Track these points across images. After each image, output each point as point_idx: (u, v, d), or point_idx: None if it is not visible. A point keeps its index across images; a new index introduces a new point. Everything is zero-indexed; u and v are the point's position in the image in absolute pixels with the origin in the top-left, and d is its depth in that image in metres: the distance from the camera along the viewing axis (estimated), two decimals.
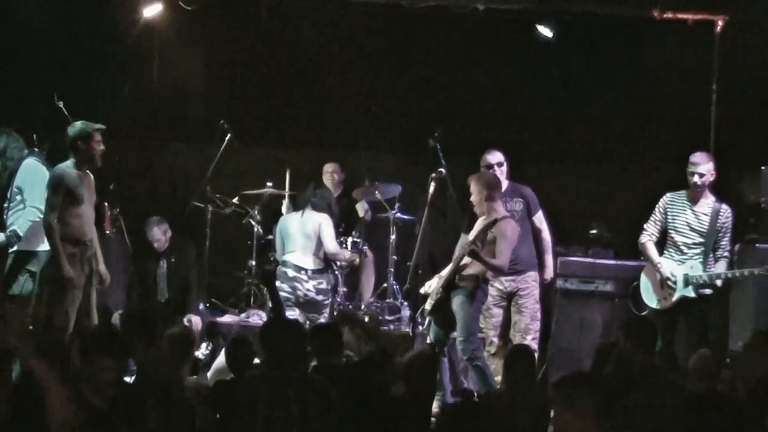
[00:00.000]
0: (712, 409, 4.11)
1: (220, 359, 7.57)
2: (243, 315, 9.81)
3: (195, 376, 7.85)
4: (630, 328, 6.18)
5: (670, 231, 7.86)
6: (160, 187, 10.88)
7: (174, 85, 10.97)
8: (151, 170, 10.95)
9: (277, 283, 8.50)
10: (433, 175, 8.74)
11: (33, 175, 7.85)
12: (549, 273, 8.65)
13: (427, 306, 8.04)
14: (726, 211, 7.79)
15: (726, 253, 7.81)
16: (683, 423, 4.16)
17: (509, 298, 8.44)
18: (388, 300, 9.88)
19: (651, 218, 7.96)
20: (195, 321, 9.08)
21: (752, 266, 7.90)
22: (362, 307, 9.83)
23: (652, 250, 7.91)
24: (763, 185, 8.85)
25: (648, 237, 7.94)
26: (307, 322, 8.43)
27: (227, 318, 9.86)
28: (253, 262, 10.01)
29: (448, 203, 9.56)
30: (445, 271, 8.02)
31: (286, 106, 11.16)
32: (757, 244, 8.53)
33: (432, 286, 8.11)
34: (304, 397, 5.19)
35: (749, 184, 9.33)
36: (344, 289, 9.66)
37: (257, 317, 9.61)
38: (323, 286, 8.81)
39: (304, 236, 8.81)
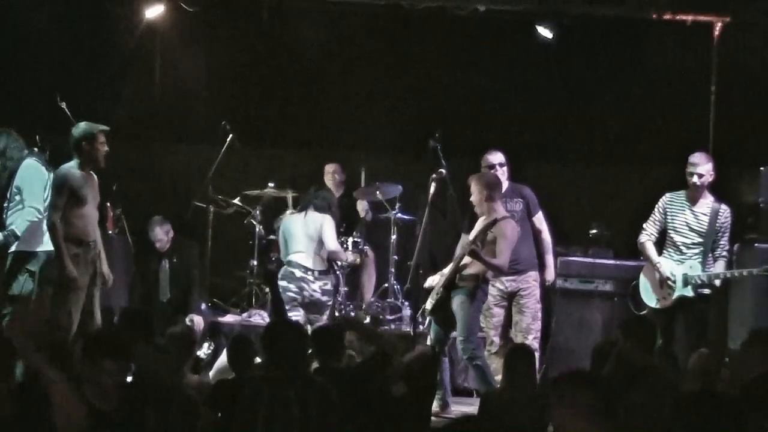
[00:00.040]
0: (711, 409, 4.11)
1: (222, 359, 7.60)
2: (245, 315, 9.83)
3: (197, 375, 7.87)
4: (629, 327, 6.15)
5: (670, 231, 7.87)
6: (161, 187, 10.86)
7: (175, 86, 10.98)
8: (153, 171, 10.93)
9: (285, 284, 8.53)
10: (434, 175, 8.76)
11: (32, 176, 7.80)
12: (550, 273, 8.66)
13: (428, 305, 8.07)
14: (725, 211, 7.79)
15: (725, 253, 7.82)
16: (682, 422, 4.15)
17: (510, 298, 8.45)
18: (388, 300, 9.91)
19: (650, 218, 7.97)
20: (197, 321, 9.10)
21: (751, 266, 7.92)
22: (363, 306, 9.86)
23: (651, 250, 7.92)
24: (762, 185, 8.86)
25: (647, 237, 7.95)
26: (308, 323, 8.44)
27: (229, 318, 9.89)
28: (255, 262, 10.03)
29: (449, 203, 9.57)
30: (446, 270, 8.05)
31: (287, 106, 11.16)
32: (756, 244, 8.55)
33: (435, 280, 8.15)
34: (305, 397, 5.20)
35: (748, 184, 9.32)
36: (345, 288, 9.67)
37: (259, 317, 9.64)
38: (328, 287, 8.80)
39: (307, 237, 8.80)
